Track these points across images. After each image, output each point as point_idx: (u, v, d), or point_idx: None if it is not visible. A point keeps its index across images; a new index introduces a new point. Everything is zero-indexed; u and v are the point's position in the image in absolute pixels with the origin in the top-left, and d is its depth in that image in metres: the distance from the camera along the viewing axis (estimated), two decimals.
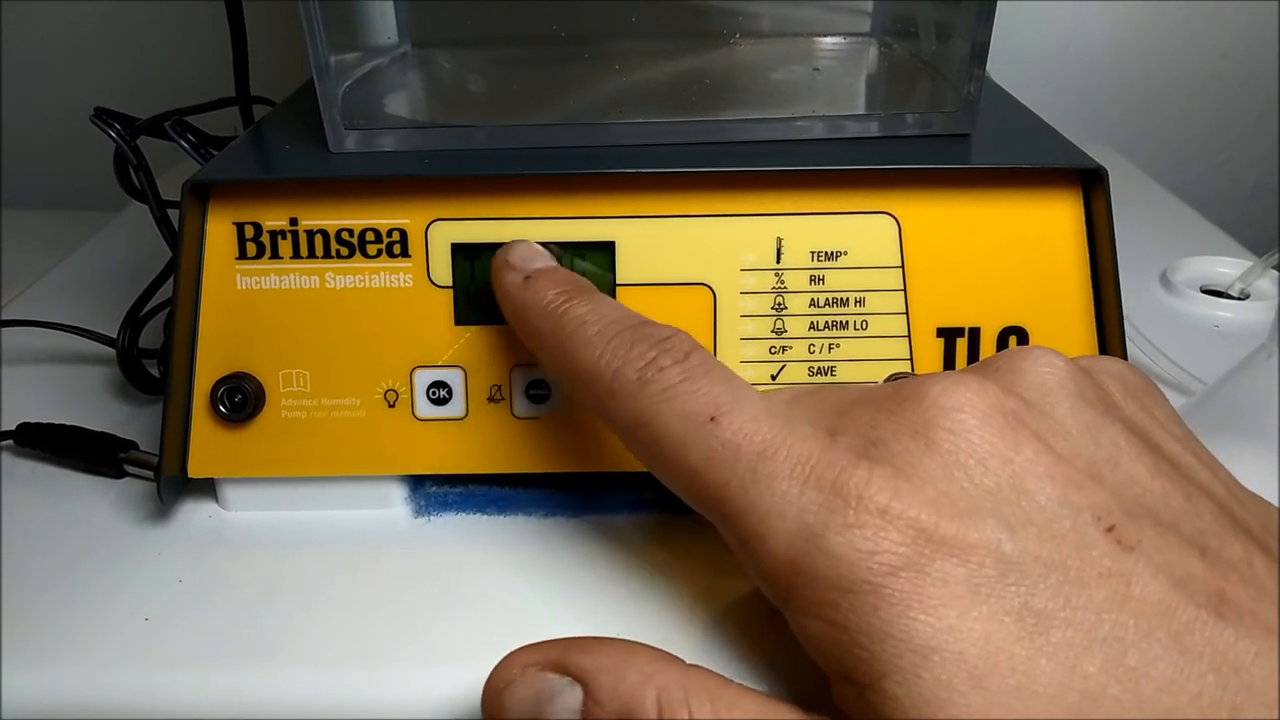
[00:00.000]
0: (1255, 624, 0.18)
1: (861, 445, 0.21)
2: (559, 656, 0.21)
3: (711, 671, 0.21)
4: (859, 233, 0.31)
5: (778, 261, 0.31)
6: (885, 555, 0.19)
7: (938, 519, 0.19)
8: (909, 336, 0.31)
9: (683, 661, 0.21)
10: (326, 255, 0.31)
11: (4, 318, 0.43)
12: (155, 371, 0.38)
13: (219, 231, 0.31)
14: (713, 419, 0.22)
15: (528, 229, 0.30)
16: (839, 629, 0.19)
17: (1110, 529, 0.19)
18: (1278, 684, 0.17)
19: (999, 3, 0.31)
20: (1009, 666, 0.18)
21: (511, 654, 0.22)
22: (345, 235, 0.31)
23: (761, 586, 0.22)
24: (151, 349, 0.38)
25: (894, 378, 0.26)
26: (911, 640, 0.18)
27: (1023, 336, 0.31)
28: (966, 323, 0.31)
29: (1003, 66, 0.63)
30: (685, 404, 0.23)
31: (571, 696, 0.21)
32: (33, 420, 0.35)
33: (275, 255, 0.31)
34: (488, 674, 0.22)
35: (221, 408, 0.31)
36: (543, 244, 0.30)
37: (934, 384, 0.21)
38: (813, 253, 0.31)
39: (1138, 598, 0.18)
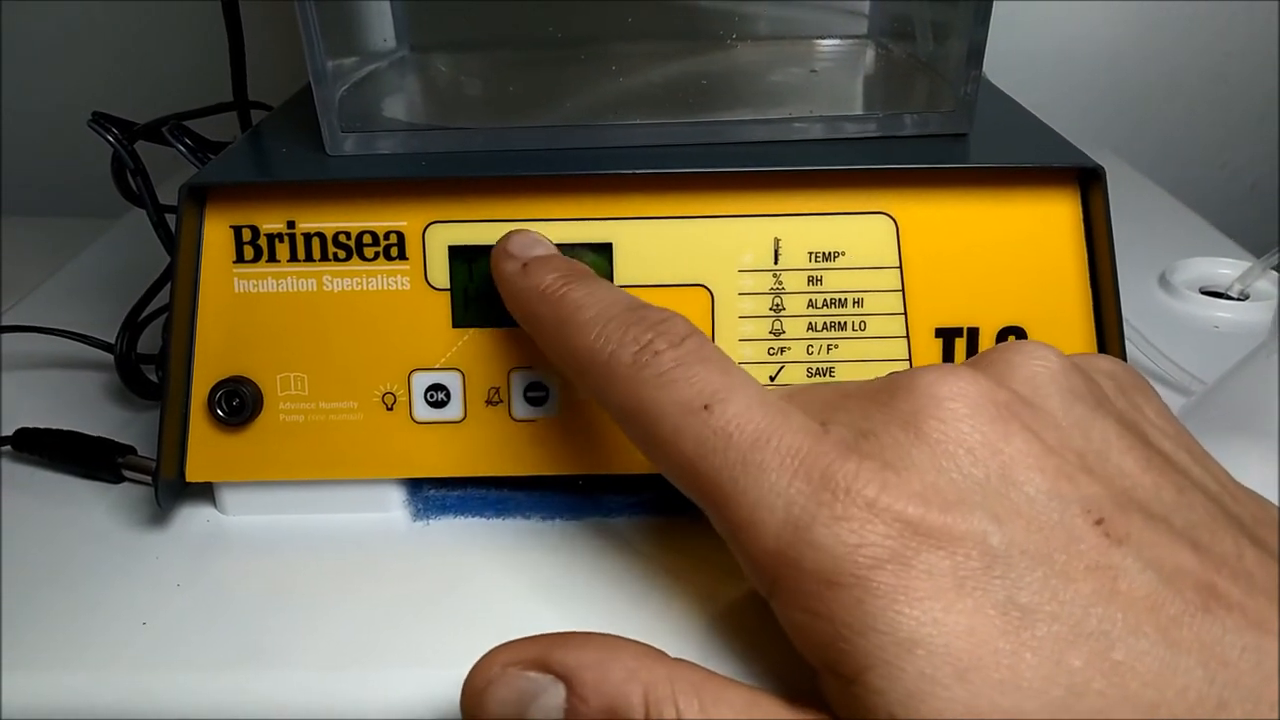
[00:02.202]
0: (1244, 618, 0.18)
1: (852, 437, 0.21)
2: (541, 654, 0.21)
3: (697, 665, 0.21)
4: (857, 233, 0.30)
5: (775, 262, 0.31)
6: (871, 548, 0.19)
7: (924, 511, 0.19)
8: (907, 337, 0.31)
9: (668, 656, 0.21)
10: (324, 258, 0.31)
11: (3, 323, 0.43)
12: (153, 376, 0.38)
13: (216, 235, 0.31)
14: (706, 407, 0.22)
15: None
16: (824, 621, 0.19)
17: (1099, 522, 0.19)
18: (1265, 679, 0.17)
19: (995, 3, 0.32)
20: (993, 661, 0.18)
21: (491, 652, 0.22)
22: (342, 238, 0.30)
23: (749, 576, 0.22)
24: (150, 354, 0.38)
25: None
26: (896, 634, 0.18)
27: (1021, 336, 0.31)
28: (965, 323, 0.31)
29: (1001, 67, 0.63)
30: (679, 391, 0.23)
31: (555, 695, 0.20)
32: (31, 425, 0.35)
33: (273, 258, 0.31)
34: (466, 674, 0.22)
35: (219, 412, 0.31)
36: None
37: (925, 374, 0.21)
38: (810, 253, 0.31)
39: (1125, 591, 0.18)
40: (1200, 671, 0.17)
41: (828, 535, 0.19)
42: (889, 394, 0.22)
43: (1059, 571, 0.19)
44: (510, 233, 0.30)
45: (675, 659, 0.21)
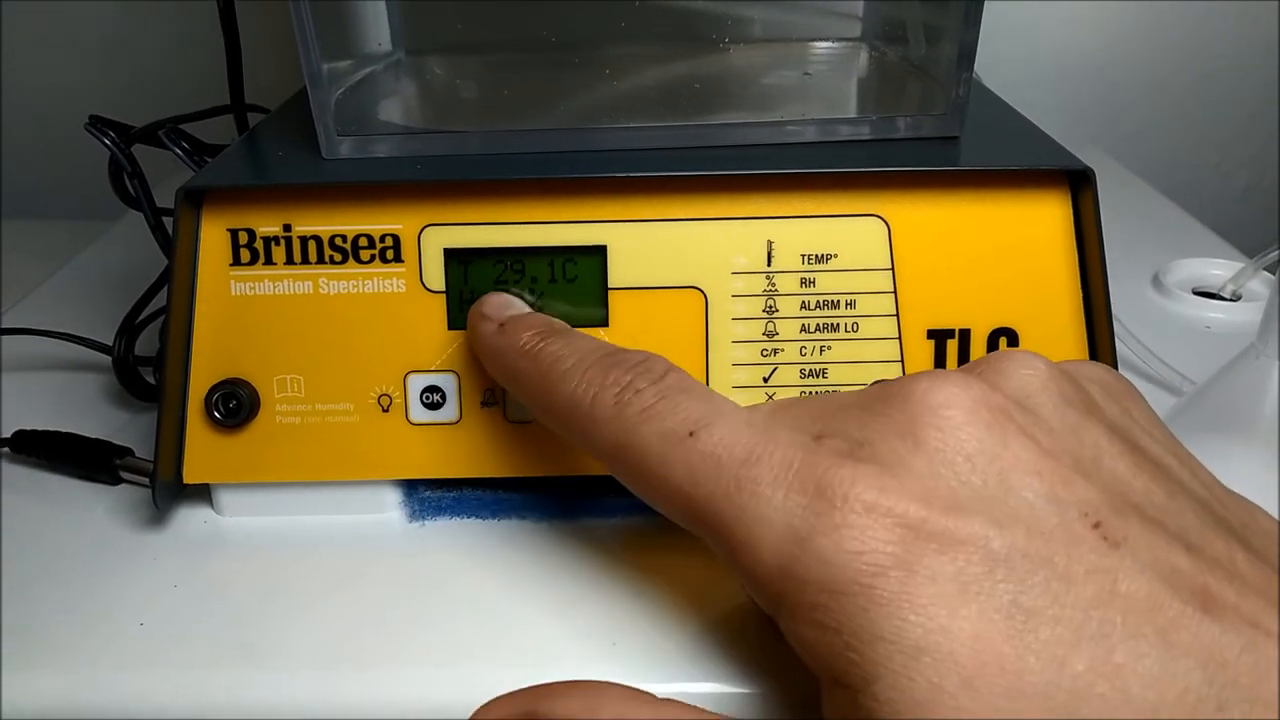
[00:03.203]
0: (1239, 619, 0.18)
1: (847, 446, 0.21)
2: (527, 707, 0.21)
3: (686, 705, 0.21)
4: (849, 235, 0.31)
5: (768, 264, 0.31)
6: (873, 554, 0.19)
7: (925, 514, 0.19)
8: (900, 338, 0.31)
9: (654, 697, 0.21)
10: (320, 261, 0.31)
11: (1, 325, 0.43)
12: (151, 379, 0.38)
13: (213, 238, 0.31)
14: (691, 434, 0.22)
15: (520, 233, 0.31)
16: (831, 632, 0.19)
17: (1096, 525, 0.19)
18: (1261, 678, 0.18)
19: (987, 5, 0.32)
20: (998, 666, 0.18)
21: (479, 710, 0.22)
22: (339, 241, 0.31)
23: (753, 594, 0.22)
24: (147, 356, 0.38)
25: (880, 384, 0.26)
26: (902, 642, 0.18)
27: (1013, 338, 0.31)
28: (957, 324, 0.31)
29: (994, 69, 0.63)
30: (663, 422, 0.23)
31: None
32: (29, 427, 0.35)
33: (269, 261, 0.31)
34: None
35: (216, 413, 0.31)
36: (515, 294, 0.30)
37: (919, 382, 0.21)
38: (803, 255, 0.31)
39: (1125, 594, 0.18)
40: (1199, 673, 0.18)
41: (829, 545, 0.19)
42: (882, 402, 0.22)
43: (1060, 574, 0.19)
44: (484, 296, 0.30)
45: (662, 700, 0.21)
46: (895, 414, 0.21)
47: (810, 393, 0.31)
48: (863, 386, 0.26)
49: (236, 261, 0.31)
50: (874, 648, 0.19)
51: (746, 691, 0.25)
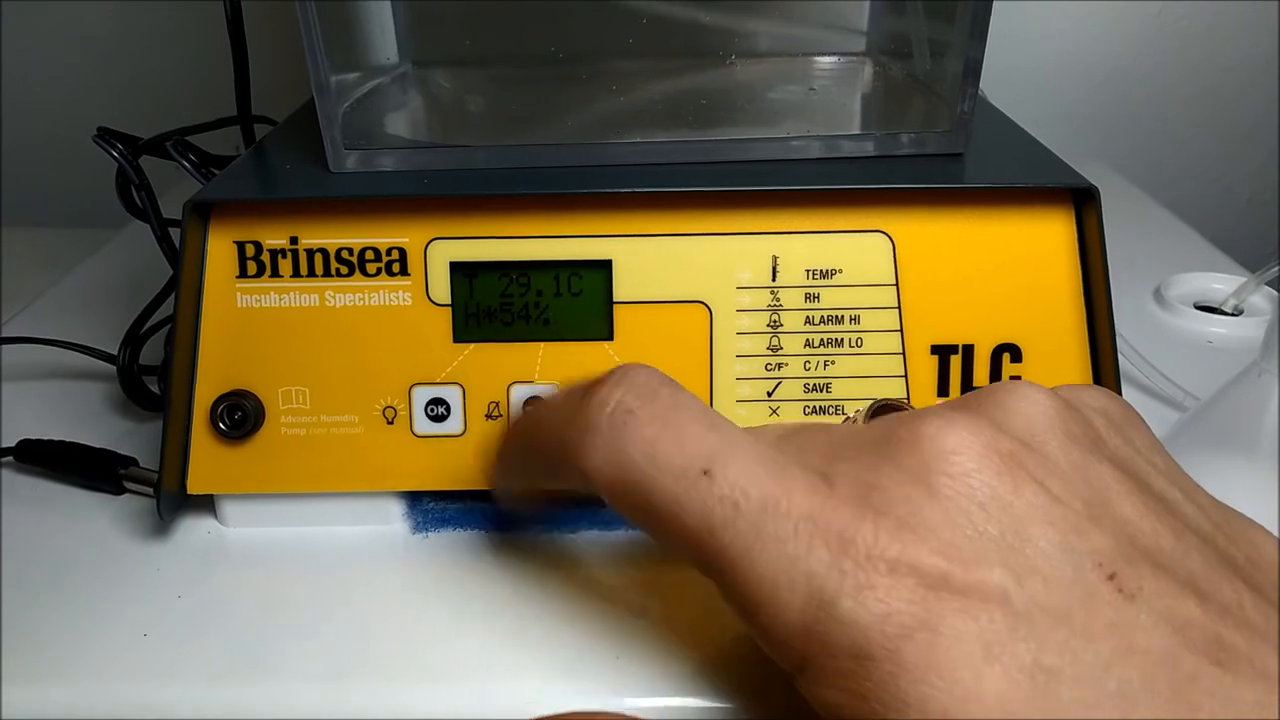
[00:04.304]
0: (1252, 670, 0.18)
1: (861, 492, 0.20)
2: None
3: None
4: (854, 251, 0.31)
5: (773, 280, 0.31)
6: (899, 616, 0.19)
7: (947, 569, 0.19)
8: (903, 354, 0.31)
9: None
10: (326, 274, 0.31)
11: (5, 334, 0.43)
12: (156, 388, 0.38)
13: (220, 250, 0.31)
14: (706, 472, 0.21)
15: (526, 247, 0.31)
16: (859, 699, 0.19)
17: (1111, 576, 0.19)
18: None
19: (991, 17, 0.32)
20: None
21: None
22: (345, 254, 0.31)
23: (769, 651, 0.21)
24: (152, 366, 0.38)
25: (879, 407, 0.26)
26: (927, 708, 0.18)
27: (1016, 354, 0.31)
28: (960, 340, 0.31)
29: (998, 83, 0.64)
30: (671, 459, 0.21)
31: None
32: (33, 437, 0.35)
33: (275, 274, 0.31)
34: None
35: (221, 424, 0.31)
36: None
37: (926, 424, 0.21)
38: (808, 271, 0.31)
39: (1142, 649, 0.18)
40: None
41: (854, 607, 0.19)
42: (889, 445, 0.21)
43: (1079, 631, 0.19)
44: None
45: None
46: (905, 459, 0.21)
47: (815, 409, 0.31)
48: (855, 423, 0.25)
49: (243, 274, 0.31)
50: (904, 714, 0.18)
51: (752, 712, 0.25)
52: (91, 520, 0.33)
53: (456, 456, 0.31)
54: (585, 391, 0.23)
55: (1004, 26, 0.67)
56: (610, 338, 0.31)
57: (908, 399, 0.31)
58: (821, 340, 0.31)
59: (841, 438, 0.22)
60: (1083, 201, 0.31)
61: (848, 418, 0.26)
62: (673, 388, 0.23)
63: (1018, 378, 0.31)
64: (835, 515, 0.20)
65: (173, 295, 0.30)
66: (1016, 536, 0.20)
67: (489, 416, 0.31)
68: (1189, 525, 0.21)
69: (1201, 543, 0.21)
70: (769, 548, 0.20)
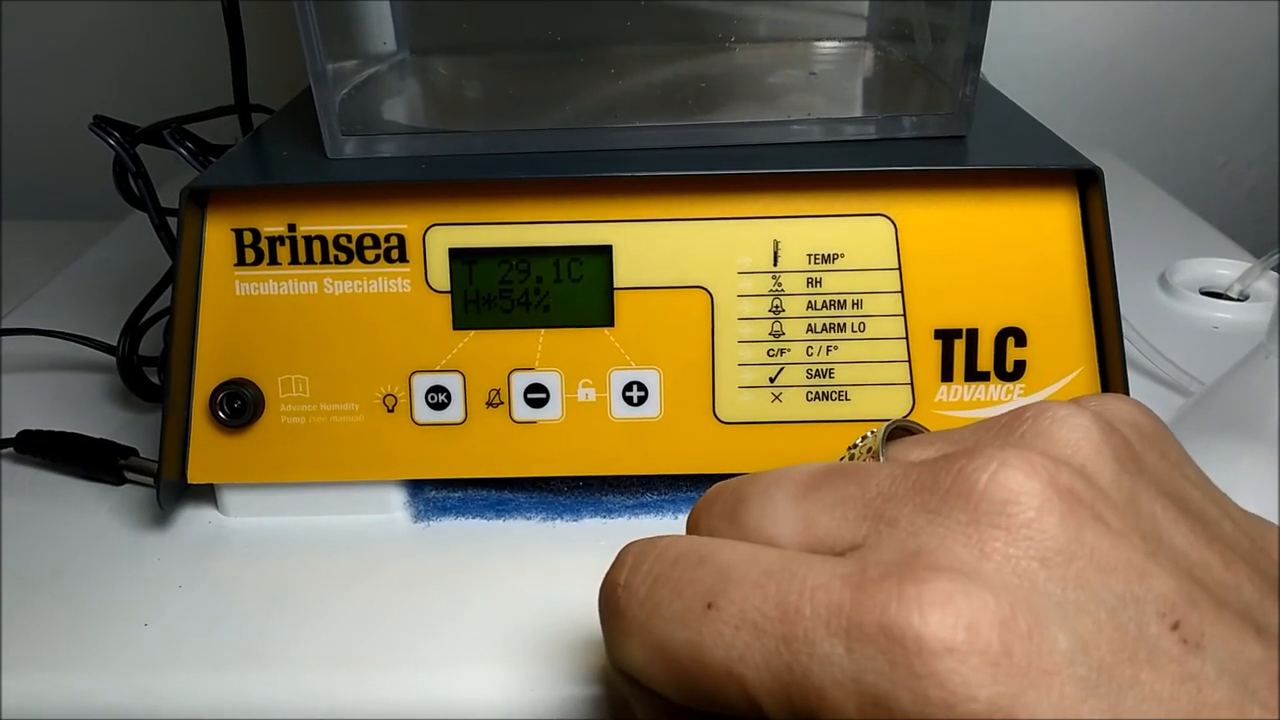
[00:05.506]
0: None
1: (902, 559, 0.19)
2: None
3: None
4: (856, 235, 0.31)
5: (775, 264, 0.31)
6: (965, 705, 0.17)
7: (1008, 642, 0.18)
8: (907, 338, 0.31)
9: None
10: (325, 261, 0.31)
11: (5, 326, 0.43)
12: (155, 379, 0.38)
13: (217, 238, 0.31)
14: (710, 605, 0.19)
15: (525, 233, 0.30)
16: None
17: (1175, 626, 0.18)
18: None
19: (994, 5, 0.32)
20: None
21: None
22: (343, 241, 0.31)
23: None
24: (152, 356, 0.38)
25: (895, 429, 0.24)
26: None
27: (1020, 338, 0.31)
28: (964, 324, 0.31)
29: (1000, 69, 0.63)
30: (671, 606, 0.20)
31: None
32: (33, 428, 0.35)
33: (274, 261, 0.31)
34: None
35: (221, 414, 0.31)
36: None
37: (979, 469, 0.19)
38: (810, 255, 0.31)
39: (1211, 704, 0.18)
40: None
41: (914, 701, 0.17)
42: (937, 499, 0.19)
43: (1149, 694, 0.18)
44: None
45: None
46: (956, 513, 0.19)
47: (818, 394, 0.31)
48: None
49: (241, 261, 0.31)
50: None
51: None
52: (91, 510, 0.33)
53: (457, 445, 0.31)
54: (607, 581, 0.22)
55: (1007, 16, 0.66)
56: (611, 324, 0.31)
57: (912, 391, 0.31)
58: (824, 325, 0.31)
59: (877, 488, 0.21)
60: (1086, 183, 0.30)
61: (859, 440, 0.25)
62: (672, 544, 0.21)
63: (1023, 363, 0.31)
64: (870, 601, 0.18)
65: (171, 285, 0.30)
66: (1080, 591, 0.18)
67: (489, 404, 0.31)
68: (1231, 546, 0.20)
69: (1248, 568, 0.20)
70: (803, 656, 0.18)
